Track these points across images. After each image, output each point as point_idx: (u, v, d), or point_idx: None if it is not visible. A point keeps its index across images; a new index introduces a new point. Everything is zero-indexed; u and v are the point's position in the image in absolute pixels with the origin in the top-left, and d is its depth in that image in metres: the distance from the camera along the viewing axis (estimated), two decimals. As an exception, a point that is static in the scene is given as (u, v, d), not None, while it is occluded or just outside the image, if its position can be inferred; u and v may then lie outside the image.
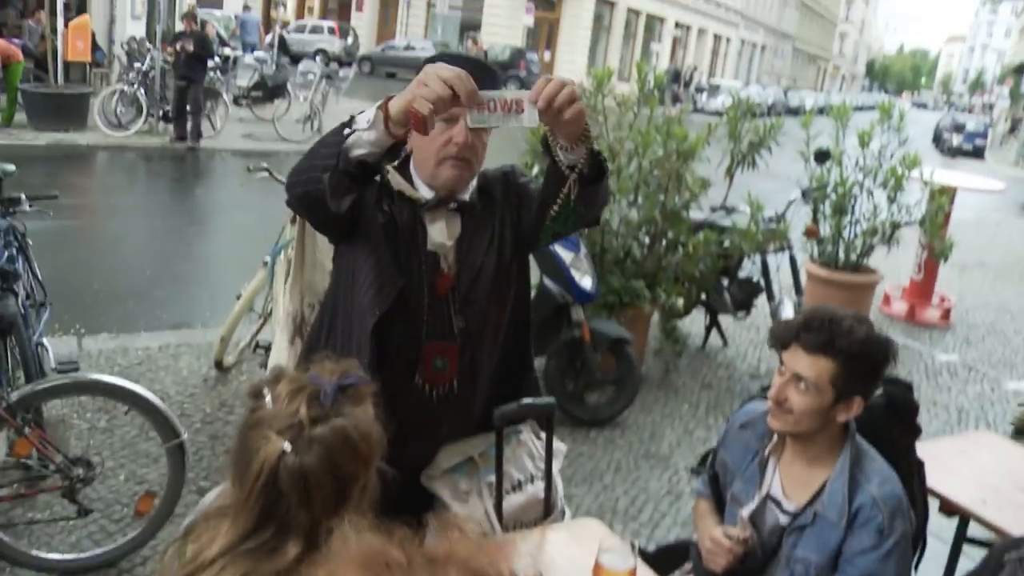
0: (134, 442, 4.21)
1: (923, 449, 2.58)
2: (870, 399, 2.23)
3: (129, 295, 6.51)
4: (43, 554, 3.37)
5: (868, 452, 2.21)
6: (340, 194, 1.98)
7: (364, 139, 1.92)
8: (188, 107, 12.47)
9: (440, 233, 2.21)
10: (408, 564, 0.85)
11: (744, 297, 6.14)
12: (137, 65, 13.29)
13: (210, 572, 1.45)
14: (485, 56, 18.78)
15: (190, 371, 5.13)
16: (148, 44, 14.33)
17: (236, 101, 15.27)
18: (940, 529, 3.00)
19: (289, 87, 15.51)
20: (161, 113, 12.96)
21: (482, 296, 2.25)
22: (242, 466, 1.47)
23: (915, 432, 2.54)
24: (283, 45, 24.10)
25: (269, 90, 15.45)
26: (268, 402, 1.51)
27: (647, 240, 5.61)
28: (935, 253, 7.57)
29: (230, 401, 4.79)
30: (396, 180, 2.21)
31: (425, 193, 2.19)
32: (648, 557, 2.43)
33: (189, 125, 12.49)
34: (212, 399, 4.81)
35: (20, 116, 12.31)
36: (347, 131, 1.93)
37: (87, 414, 4.38)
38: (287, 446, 1.43)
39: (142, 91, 12.70)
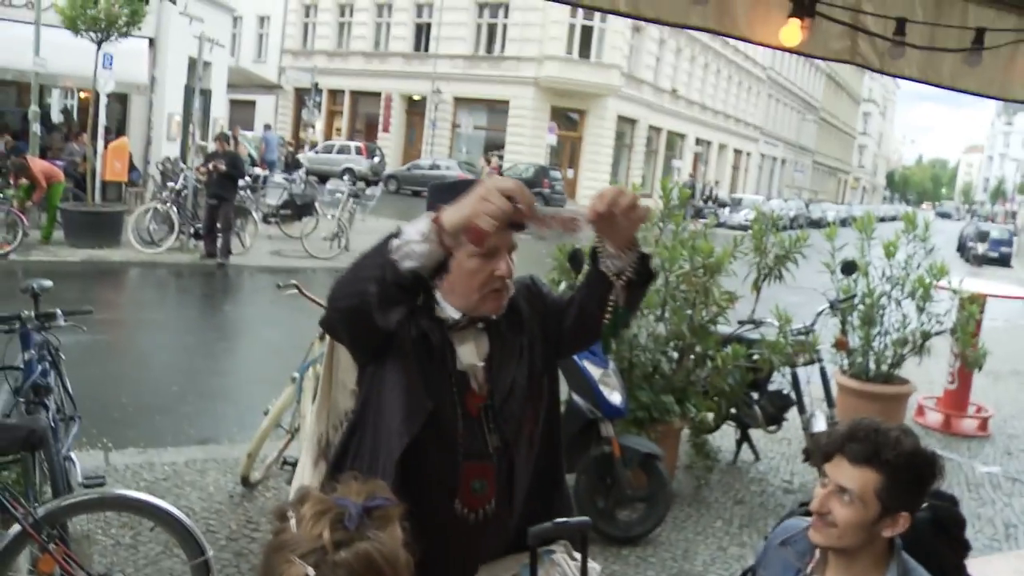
0: (158, 559, 4.14)
1: (974, 568, 2.49)
2: (916, 515, 2.16)
3: (157, 410, 6.53)
4: None
5: (916, 570, 2.13)
6: (389, 306, 1.99)
7: (416, 251, 1.92)
8: (219, 225, 12.76)
9: (470, 354, 2.20)
10: None
11: (775, 410, 6.06)
12: (170, 184, 13.71)
13: None
14: (500, 174, 19.17)
15: (216, 487, 5.08)
16: (181, 164, 14.80)
17: (265, 219, 15.61)
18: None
19: (317, 205, 15.87)
20: (192, 231, 13.28)
21: (516, 411, 2.23)
22: None
23: (964, 548, 2.46)
24: (296, 165, 24.78)
25: (297, 208, 15.82)
26: (292, 524, 1.49)
27: (675, 355, 5.58)
28: (968, 362, 7.47)
29: (256, 518, 4.72)
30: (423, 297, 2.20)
31: (452, 314, 2.17)
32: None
33: (219, 242, 12.75)
34: (238, 516, 4.75)
35: (58, 234, 12.66)
36: (395, 242, 1.94)
37: (112, 529, 4.33)
38: (311, 572, 1.40)
39: (174, 209, 13.05)
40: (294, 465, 4.79)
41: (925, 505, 2.40)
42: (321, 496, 1.53)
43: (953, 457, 7.08)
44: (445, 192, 2.08)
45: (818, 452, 2.16)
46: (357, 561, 1.43)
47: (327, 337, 4.76)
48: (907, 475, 2.03)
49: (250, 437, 5.08)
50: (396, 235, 1.95)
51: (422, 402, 2.11)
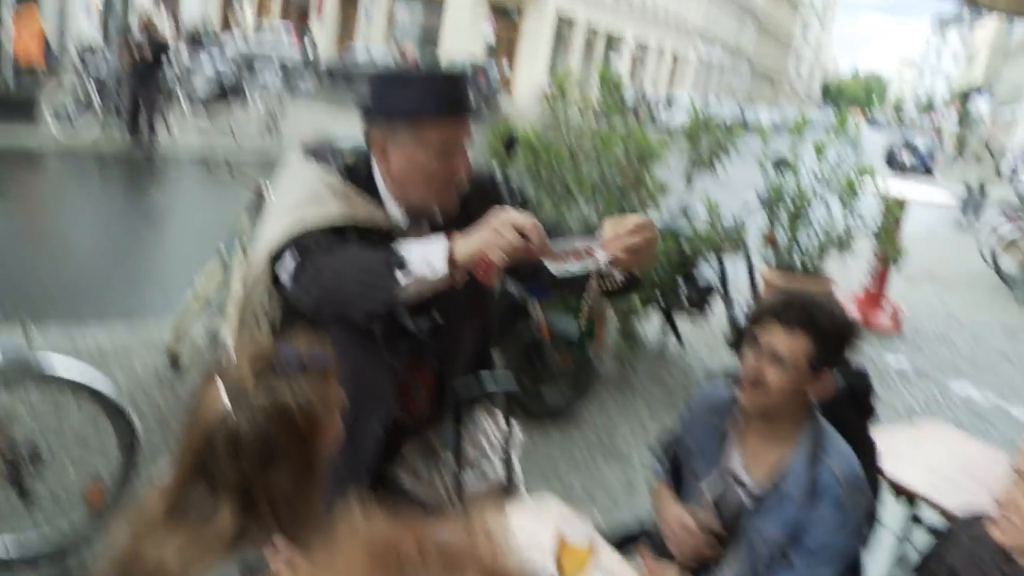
0: (84, 436, 4.11)
1: (876, 436, 2.62)
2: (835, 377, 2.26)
3: (80, 289, 6.42)
4: (-12, 544, 3.29)
5: (827, 430, 2.23)
6: (375, 319, 1.91)
7: (424, 283, 1.82)
8: (143, 111, 12.30)
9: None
10: (422, 560, 0.76)
11: (700, 299, 6.19)
12: (91, 67, 13.10)
13: (152, 541, 1.44)
14: (417, 67, 18.71)
15: (143, 366, 5.04)
16: (103, 46, 14.15)
17: (192, 104, 15.10)
18: (886, 518, 3.03)
19: (247, 93, 15.38)
20: (116, 114, 12.78)
21: (456, 319, 2.19)
22: (190, 417, 1.49)
23: (870, 413, 2.58)
24: (198, 42, 22.82)
25: (226, 96, 15.31)
26: (233, 358, 1.51)
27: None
28: (888, 261, 7.70)
29: (184, 396, 4.71)
30: (365, 211, 2.08)
31: (397, 216, 2.10)
32: (605, 538, 2.44)
33: (144, 127, 12.32)
34: (166, 394, 4.73)
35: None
36: (402, 277, 1.80)
37: (35, 408, 4.28)
38: (228, 407, 1.44)
39: (96, 95, 12.51)
40: (222, 341, 4.78)
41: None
42: (270, 343, 1.56)
43: (867, 351, 7.37)
44: (389, 86, 2.01)
45: (750, 319, 2.22)
46: (274, 409, 1.45)
47: (255, 211, 4.72)
48: (836, 340, 2.12)
49: (176, 317, 5.02)
50: (398, 262, 1.81)
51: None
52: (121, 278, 6.89)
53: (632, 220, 1.85)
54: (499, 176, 2.37)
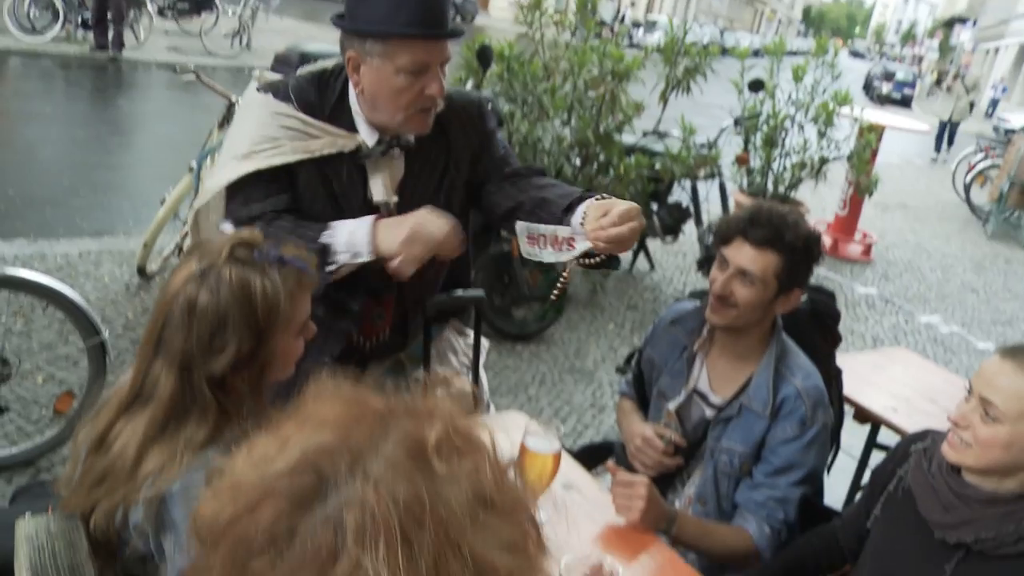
0: (52, 345, 4.10)
1: (841, 361, 2.67)
2: (804, 290, 2.28)
3: (46, 202, 6.28)
4: (-43, 450, 3.29)
5: (792, 348, 2.26)
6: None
7: (347, 264, 1.94)
8: (109, 15, 11.93)
9: (382, 189, 2.08)
10: (389, 412, 0.80)
11: (672, 222, 6.21)
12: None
13: (118, 426, 1.46)
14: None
15: (112, 278, 4.99)
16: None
17: (161, 12, 14.66)
18: (849, 446, 3.09)
19: (218, 4, 14.95)
20: (80, 20, 12.38)
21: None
22: (160, 293, 1.53)
23: (836, 339, 2.62)
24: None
25: (197, 6, 14.87)
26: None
27: (578, 161, 5.60)
28: (861, 189, 7.74)
29: (153, 308, 4.68)
30: (325, 141, 2.02)
31: (367, 137, 2.04)
32: (572, 455, 2.47)
33: (111, 34, 11.96)
34: (135, 305, 4.70)
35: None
36: (329, 266, 1.93)
37: (1, 317, 4.24)
38: (196, 270, 1.46)
39: (61, -1, 12.10)
40: (192, 254, 4.74)
41: (805, 298, 2.53)
42: (257, 233, 1.59)
43: (836, 278, 7.45)
44: (362, 0, 1.92)
45: (718, 236, 2.23)
46: (239, 284, 1.47)
47: (226, 124, 4.64)
48: (803, 255, 2.14)
49: (146, 230, 4.96)
50: (325, 252, 1.92)
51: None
52: (89, 190, 6.77)
53: (619, 208, 1.79)
54: (487, 104, 2.27)
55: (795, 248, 2.12)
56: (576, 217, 1.91)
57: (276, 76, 2.23)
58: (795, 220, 2.14)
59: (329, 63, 2.12)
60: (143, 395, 1.48)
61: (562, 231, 1.77)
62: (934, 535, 1.73)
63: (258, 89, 2.09)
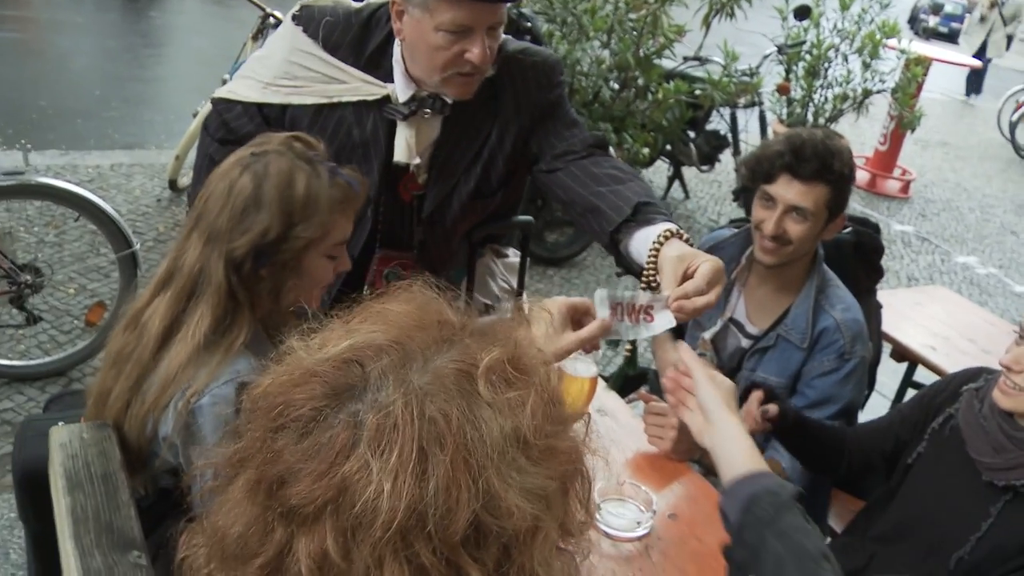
0: (84, 256, 4.12)
1: (881, 297, 2.61)
2: (840, 236, 2.23)
3: (78, 113, 6.26)
4: (-10, 358, 3.32)
5: (833, 280, 2.21)
6: None
7: None
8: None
9: (404, 149, 1.91)
10: (460, 328, 0.79)
11: (710, 150, 6.09)
12: None
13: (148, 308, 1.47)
14: None
15: (143, 191, 4.99)
16: None
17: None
18: (881, 385, 3.05)
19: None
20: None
21: (455, 208, 2.01)
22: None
23: (879, 274, 2.56)
24: None
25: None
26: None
27: (617, 85, 5.47)
28: (903, 124, 7.54)
29: (183, 221, 4.67)
30: (345, 87, 1.89)
31: (401, 91, 1.87)
32: (605, 380, 2.45)
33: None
34: (166, 219, 4.70)
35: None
36: None
37: (34, 227, 4.26)
38: (248, 154, 1.47)
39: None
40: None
41: (849, 229, 2.47)
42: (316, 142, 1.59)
43: (872, 215, 7.31)
44: None
45: (758, 174, 2.14)
46: (286, 169, 1.47)
47: (260, 37, 4.56)
48: (849, 178, 2.09)
49: (178, 143, 4.93)
50: None
51: None
52: (120, 102, 6.73)
53: (704, 271, 1.48)
54: (559, 69, 2.03)
55: (842, 175, 2.06)
56: (641, 252, 1.67)
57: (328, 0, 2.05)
58: (836, 146, 2.06)
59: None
60: (175, 272, 1.48)
61: (641, 297, 1.46)
62: (982, 476, 1.70)
63: (293, 14, 1.95)
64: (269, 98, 1.92)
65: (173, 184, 4.90)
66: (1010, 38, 15.23)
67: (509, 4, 1.80)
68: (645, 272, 1.62)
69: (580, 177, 1.90)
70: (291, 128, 1.87)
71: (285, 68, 1.91)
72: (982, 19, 15.90)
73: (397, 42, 1.86)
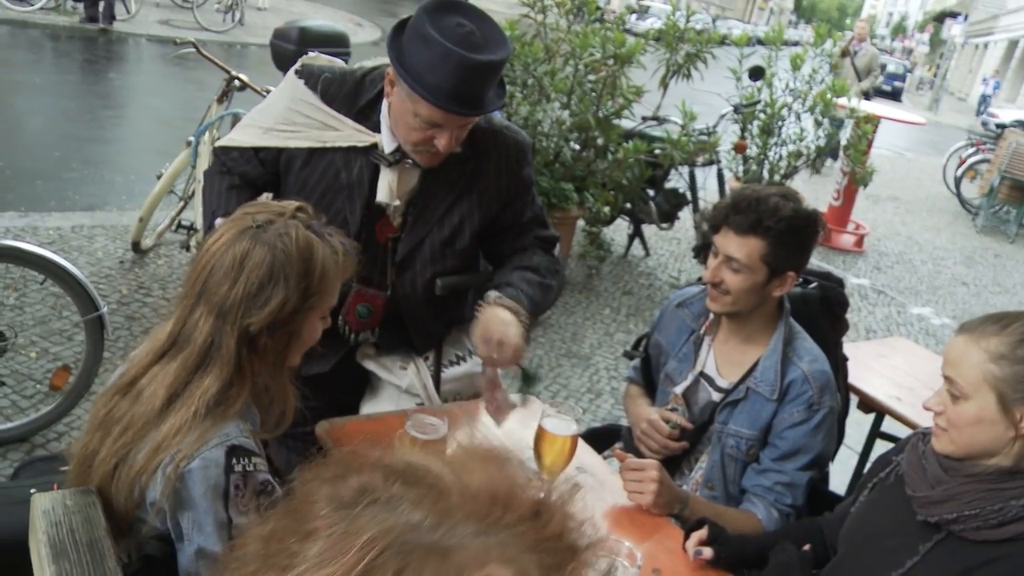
0: (47, 319, 4.05)
1: (845, 349, 2.66)
2: (802, 272, 2.27)
3: (38, 175, 6.20)
4: (-49, 424, 3.25)
5: (800, 332, 2.26)
6: None
7: None
8: (101, -12, 11.80)
9: (387, 191, 2.12)
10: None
11: (670, 208, 6.20)
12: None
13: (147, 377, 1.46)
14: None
15: (105, 253, 4.95)
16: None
17: (153, -13, 14.52)
18: (849, 438, 3.08)
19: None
20: (71, -7, 12.24)
21: (427, 253, 2.21)
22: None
23: (844, 326, 2.61)
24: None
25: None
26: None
27: (577, 145, 5.58)
28: (856, 179, 7.75)
29: (148, 283, 4.64)
30: (340, 135, 2.10)
31: (387, 142, 2.09)
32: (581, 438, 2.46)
33: (101, 6, 11.82)
34: (129, 281, 4.65)
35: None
36: None
37: (-5, 288, 4.20)
38: (254, 225, 1.47)
39: (49, -35, 11.93)
40: (189, 228, 4.70)
41: (815, 284, 2.53)
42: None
43: (829, 268, 7.46)
44: (413, 35, 1.91)
45: (709, 224, 2.21)
46: (305, 242, 1.48)
47: (225, 100, 4.60)
48: (790, 237, 2.11)
49: (139, 205, 4.90)
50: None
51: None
52: (81, 164, 6.69)
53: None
54: (529, 150, 2.29)
55: (779, 232, 2.08)
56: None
57: (328, 60, 2.27)
58: (776, 203, 2.09)
59: (383, 62, 2.15)
60: (179, 342, 1.47)
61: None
62: (916, 516, 1.70)
63: (296, 71, 2.17)
64: (269, 142, 2.14)
65: (136, 246, 4.87)
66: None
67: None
68: None
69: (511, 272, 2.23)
70: (286, 169, 2.14)
71: (286, 115, 2.13)
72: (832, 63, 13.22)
73: (385, 101, 2.07)
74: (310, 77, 2.13)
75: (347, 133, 2.09)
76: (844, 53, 10.77)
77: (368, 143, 2.09)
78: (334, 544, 0.67)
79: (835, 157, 7.05)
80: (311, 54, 2.27)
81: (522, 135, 2.28)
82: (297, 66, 2.18)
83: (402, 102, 1.95)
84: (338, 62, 2.26)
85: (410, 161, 2.09)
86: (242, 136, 2.21)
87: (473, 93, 1.91)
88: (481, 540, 0.67)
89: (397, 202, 2.13)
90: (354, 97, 2.11)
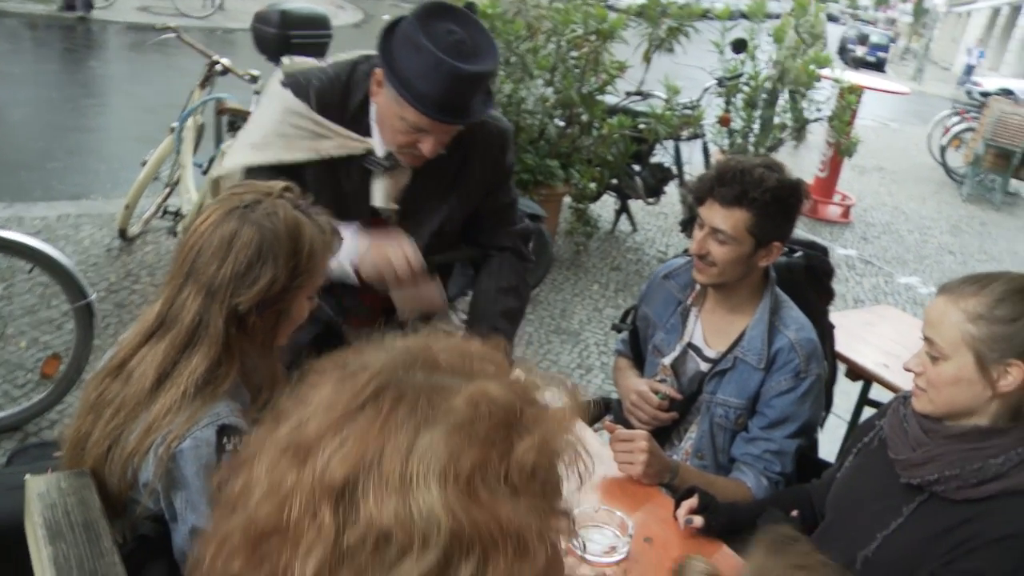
0: (35, 309, 4.05)
1: (832, 318, 2.68)
2: (787, 241, 2.28)
3: (21, 166, 6.17)
4: (-58, 415, 3.25)
5: (786, 301, 2.28)
6: None
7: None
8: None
9: (383, 196, 2.14)
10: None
11: (655, 183, 6.20)
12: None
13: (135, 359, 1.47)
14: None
15: (92, 241, 4.93)
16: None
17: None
18: (837, 407, 3.11)
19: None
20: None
21: (421, 247, 2.20)
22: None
23: (829, 295, 2.63)
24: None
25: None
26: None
27: (562, 122, 5.57)
28: (841, 150, 7.77)
29: (136, 270, 4.63)
30: (335, 143, 2.09)
31: (378, 146, 2.09)
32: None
33: (79, -6, 11.73)
34: (117, 268, 4.65)
35: None
36: None
37: (-17, 279, 4.19)
38: (241, 205, 1.47)
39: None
40: (175, 215, 4.69)
41: (799, 253, 2.55)
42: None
43: (816, 240, 7.48)
44: (405, 39, 1.92)
45: (693, 197, 2.22)
46: (293, 220, 1.49)
47: (207, 85, 4.58)
48: (775, 208, 2.12)
49: (125, 193, 4.89)
50: None
51: None
52: (64, 153, 6.66)
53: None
54: (511, 138, 2.33)
55: (764, 203, 2.09)
56: None
57: (302, 62, 2.23)
58: (761, 174, 2.10)
59: (364, 55, 2.14)
60: (167, 322, 1.48)
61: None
62: (899, 480, 1.72)
63: (281, 82, 2.12)
64: (264, 158, 2.08)
65: (123, 233, 4.86)
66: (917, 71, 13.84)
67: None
68: None
69: (488, 264, 2.37)
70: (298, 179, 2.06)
71: (277, 128, 2.09)
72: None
73: (373, 103, 2.07)
74: (298, 87, 2.09)
75: (340, 141, 2.08)
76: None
77: (362, 150, 2.09)
78: (338, 383, 0.78)
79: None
80: (287, 61, 2.23)
81: (505, 122, 2.31)
82: (280, 77, 2.15)
83: (389, 105, 1.97)
84: (311, 63, 2.24)
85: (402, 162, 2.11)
86: (235, 159, 2.16)
87: (461, 102, 1.95)
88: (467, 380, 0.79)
89: (395, 206, 2.15)
90: (344, 101, 2.09)
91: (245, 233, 1.45)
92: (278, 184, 1.55)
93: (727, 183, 2.11)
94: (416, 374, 0.78)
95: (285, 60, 2.24)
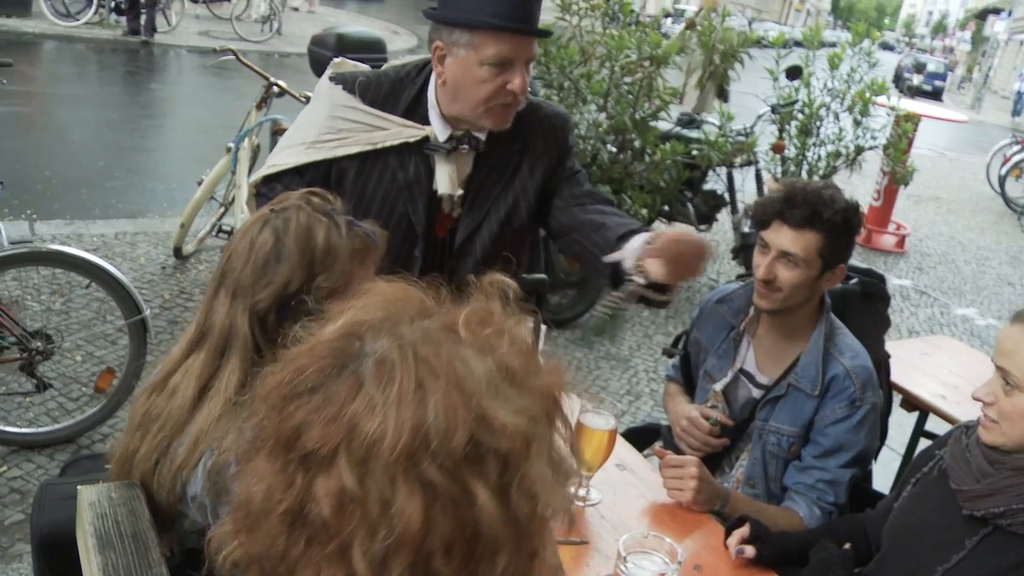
0: (91, 324, 4.13)
1: (888, 348, 2.63)
2: (847, 286, 2.25)
3: (82, 184, 6.33)
4: (0, 427, 3.31)
5: (841, 328, 2.23)
6: None
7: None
8: (142, 0, 12.02)
9: (447, 181, 2.12)
10: (436, 303, 0.87)
11: (708, 210, 6.15)
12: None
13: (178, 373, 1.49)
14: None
15: (148, 259, 5.03)
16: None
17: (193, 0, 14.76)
18: (891, 440, 3.04)
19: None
20: (113, 5, 12.47)
21: (479, 248, 2.18)
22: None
23: (886, 323, 2.58)
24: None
25: (228, -11, 14.94)
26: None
27: (614, 148, 5.56)
28: (896, 179, 7.64)
29: (189, 288, 4.71)
30: (389, 133, 2.09)
31: (439, 131, 2.09)
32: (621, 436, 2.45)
33: (143, 19, 12.04)
34: (171, 286, 4.72)
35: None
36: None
37: (42, 296, 4.28)
38: (268, 212, 1.50)
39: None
40: (230, 233, 4.75)
41: (855, 280, 2.51)
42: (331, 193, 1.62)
43: (872, 268, 7.36)
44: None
45: (755, 220, 2.20)
46: (305, 223, 1.50)
47: (264, 106, 4.65)
48: (843, 229, 2.10)
49: (181, 212, 4.98)
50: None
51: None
52: (124, 172, 6.82)
53: (672, 231, 1.91)
54: (571, 121, 2.33)
55: (835, 224, 2.08)
56: (635, 242, 1.94)
57: (354, 66, 2.27)
58: (831, 195, 2.11)
59: (412, 60, 2.18)
60: (206, 332, 1.50)
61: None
62: (961, 511, 1.67)
63: (330, 78, 2.15)
64: (315, 156, 2.10)
65: (178, 252, 4.95)
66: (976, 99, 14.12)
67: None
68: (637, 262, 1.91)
69: (590, 210, 2.18)
70: (338, 182, 2.10)
71: (328, 124, 2.11)
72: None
73: (431, 90, 2.08)
74: (345, 82, 2.12)
75: (396, 130, 2.09)
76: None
77: (420, 137, 2.09)
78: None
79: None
80: (336, 60, 2.26)
81: (559, 107, 2.33)
82: (329, 73, 2.18)
83: (463, 63, 1.96)
84: (363, 67, 2.26)
85: (465, 146, 2.10)
86: (285, 158, 2.15)
87: (530, 9, 1.96)
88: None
89: (460, 191, 2.14)
90: (395, 96, 2.11)
91: (263, 235, 1.48)
92: (305, 191, 1.57)
93: (797, 205, 2.09)
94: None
95: (336, 60, 2.27)
